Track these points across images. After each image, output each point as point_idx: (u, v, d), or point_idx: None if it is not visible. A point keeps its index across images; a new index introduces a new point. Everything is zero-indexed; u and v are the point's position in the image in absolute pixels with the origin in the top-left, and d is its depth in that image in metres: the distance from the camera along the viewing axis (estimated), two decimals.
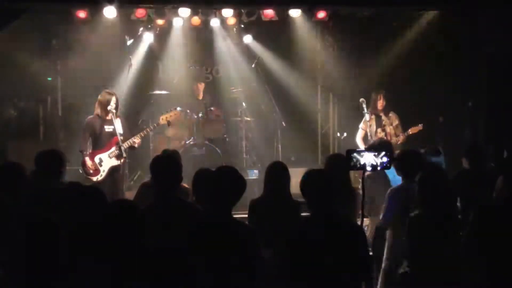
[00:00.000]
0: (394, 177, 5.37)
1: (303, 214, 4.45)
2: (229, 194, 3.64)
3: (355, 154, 4.06)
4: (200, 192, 4.47)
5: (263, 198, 4.86)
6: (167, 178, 4.16)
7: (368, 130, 7.90)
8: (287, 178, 4.83)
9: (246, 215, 4.90)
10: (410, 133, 7.84)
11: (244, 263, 3.52)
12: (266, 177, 4.88)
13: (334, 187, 3.67)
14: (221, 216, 3.62)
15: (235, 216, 3.80)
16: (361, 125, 8.02)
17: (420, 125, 7.85)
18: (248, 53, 9.99)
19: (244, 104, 9.56)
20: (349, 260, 3.50)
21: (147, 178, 9.11)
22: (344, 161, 4.41)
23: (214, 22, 9.50)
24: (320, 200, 3.58)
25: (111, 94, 7.19)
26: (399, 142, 7.82)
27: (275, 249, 3.72)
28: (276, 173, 4.79)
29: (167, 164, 4.26)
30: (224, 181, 3.67)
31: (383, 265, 4.99)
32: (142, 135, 7.33)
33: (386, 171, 5.33)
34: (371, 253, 5.49)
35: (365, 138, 8.00)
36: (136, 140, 7.18)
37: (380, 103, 8.01)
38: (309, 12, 9.21)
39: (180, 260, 3.50)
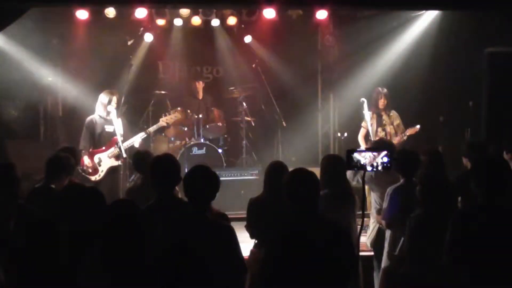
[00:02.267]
0: None
1: None
2: (200, 191, 3.66)
3: (355, 154, 4.05)
4: None
5: (262, 198, 4.86)
6: (167, 178, 4.17)
7: (369, 129, 7.90)
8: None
9: (245, 215, 4.91)
10: (408, 134, 7.84)
11: (220, 260, 3.52)
12: (265, 176, 4.88)
13: (318, 187, 3.65)
14: (197, 213, 3.62)
15: (234, 216, 3.80)
16: (363, 123, 8.03)
17: (417, 126, 7.84)
18: (248, 53, 9.98)
19: (244, 104, 9.55)
20: (333, 261, 3.49)
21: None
22: (340, 161, 4.41)
23: (215, 22, 9.50)
24: (302, 200, 3.56)
25: (113, 93, 7.20)
26: (399, 142, 7.81)
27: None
28: (276, 173, 4.79)
29: (167, 164, 4.27)
30: (194, 179, 3.69)
31: (382, 264, 5.00)
32: (141, 137, 7.29)
33: None
34: (372, 253, 5.54)
35: (366, 137, 8.01)
36: (136, 141, 7.16)
37: (382, 102, 8.00)
38: (309, 12, 9.21)
39: (179, 259, 3.51)
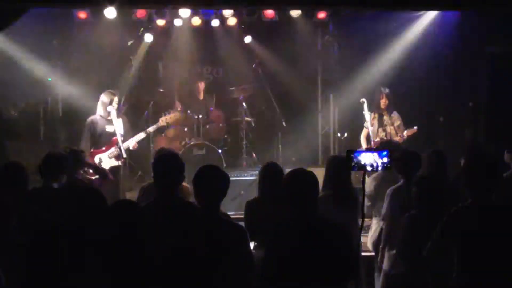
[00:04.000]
0: None
1: None
2: (211, 192, 3.64)
3: (355, 154, 4.05)
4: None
5: (259, 199, 4.86)
6: (168, 177, 4.16)
7: (370, 129, 7.90)
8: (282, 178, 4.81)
9: (243, 216, 4.90)
10: (406, 136, 7.85)
11: (231, 260, 3.52)
12: (260, 178, 4.88)
13: (317, 187, 3.65)
14: (208, 213, 3.62)
15: (234, 216, 3.80)
16: (365, 123, 8.03)
17: (415, 127, 7.85)
18: (248, 53, 9.99)
19: (244, 104, 9.56)
20: (332, 260, 3.49)
21: (147, 178, 9.18)
22: (342, 162, 4.40)
23: (215, 23, 9.50)
24: (301, 200, 3.55)
25: (113, 94, 7.21)
26: (399, 142, 7.82)
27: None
28: (271, 174, 4.79)
29: (168, 163, 4.25)
30: (204, 178, 3.67)
31: (383, 266, 4.99)
32: (140, 137, 7.30)
33: None
34: (372, 253, 5.54)
35: (367, 137, 8.02)
36: (131, 144, 7.18)
37: (383, 102, 8.01)
38: (309, 12, 9.22)
39: (178, 259, 3.50)
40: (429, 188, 4.35)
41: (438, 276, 3.99)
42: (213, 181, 3.66)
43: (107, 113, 7.12)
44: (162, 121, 7.68)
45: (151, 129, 7.63)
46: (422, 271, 4.13)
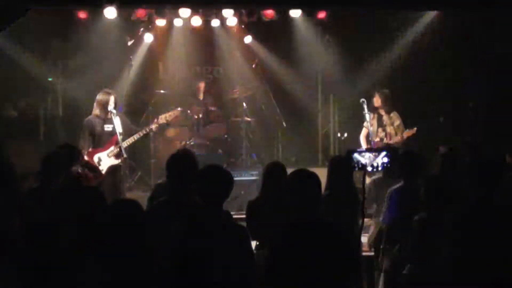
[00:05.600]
0: None
1: None
2: (214, 191, 3.64)
3: (355, 155, 4.05)
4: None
5: (261, 199, 4.85)
6: (178, 176, 4.16)
7: (369, 129, 7.90)
8: (285, 178, 4.81)
9: (244, 215, 4.90)
10: (405, 136, 7.84)
11: (232, 260, 3.52)
12: (264, 178, 4.87)
13: (320, 188, 3.65)
14: (211, 213, 3.62)
15: (234, 216, 3.79)
16: (365, 123, 8.03)
17: (414, 128, 7.84)
18: (248, 53, 9.98)
19: (244, 104, 9.56)
20: (333, 260, 3.49)
21: (147, 178, 9.18)
22: (345, 163, 4.41)
23: (215, 23, 9.50)
24: (304, 201, 3.55)
25: (110, 93, 7.19)
26: (398, 143, 7.82)
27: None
28: (275, 174, 4.78)
29: (180, 162, 4.25)
30: (208, 178, 3.67)
31: (384, 266, 4.99)
32: (141, 135, 7.30)
33: None
34: (372, 253, 5.54)
35: (367, 137, 8.01)
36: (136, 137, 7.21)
37: (376, 100, 8.01)
38: (309, 13, 9.22)
39: (178, 259, 3.50)
40: (438, 188, 4.34)
41: (441, 275, 3.99)
42: (217, 181, 3.65)
43: (104, 112, 7.10)
44: (162, 118, 7.65)
45: (152, 126, 7.60)
46: (427, 272, 4.13)
